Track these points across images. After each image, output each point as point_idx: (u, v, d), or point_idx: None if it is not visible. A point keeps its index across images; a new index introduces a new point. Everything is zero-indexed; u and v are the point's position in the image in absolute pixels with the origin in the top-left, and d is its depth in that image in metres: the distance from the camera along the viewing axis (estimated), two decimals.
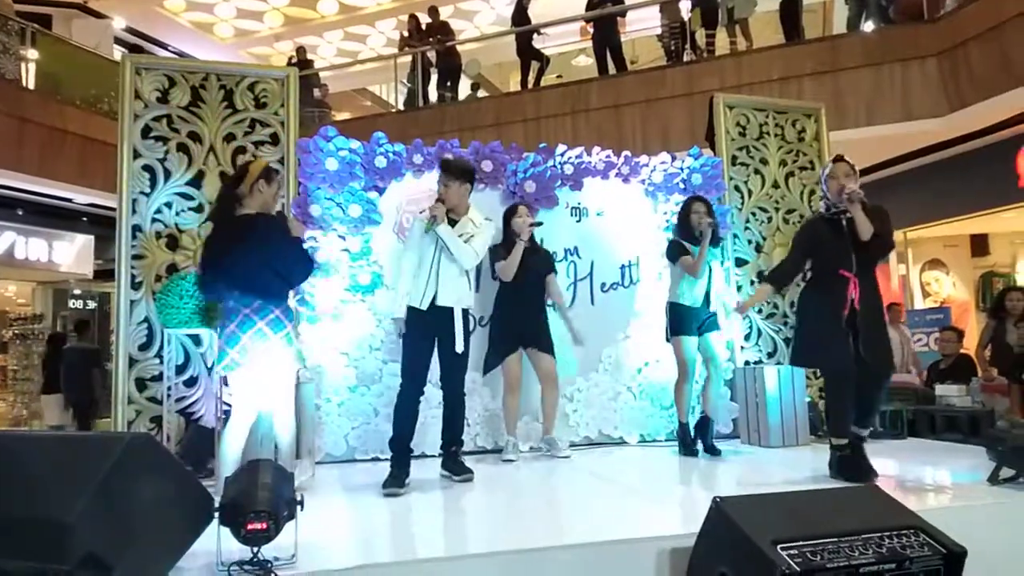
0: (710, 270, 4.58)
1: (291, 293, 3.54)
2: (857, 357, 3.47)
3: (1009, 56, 6.81)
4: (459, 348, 3.75)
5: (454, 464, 3.87)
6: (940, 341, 6.97)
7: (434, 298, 3.75)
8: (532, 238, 4.60)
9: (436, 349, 3.82)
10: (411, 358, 3.78)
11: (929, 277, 11.13)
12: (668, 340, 4.61)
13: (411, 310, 3.79)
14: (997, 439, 3.28)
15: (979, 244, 10.93)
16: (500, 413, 4.64)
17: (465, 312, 3.85)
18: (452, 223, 3.85)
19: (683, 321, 4.53)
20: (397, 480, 3.52)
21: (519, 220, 4.52)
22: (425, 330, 3.78)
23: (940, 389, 5.93)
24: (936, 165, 8.97)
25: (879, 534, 2.19)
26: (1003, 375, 5.82)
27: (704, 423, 4.57)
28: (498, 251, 4.52)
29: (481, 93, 11.95)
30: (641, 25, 10.94)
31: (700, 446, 4.54)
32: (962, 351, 6.76)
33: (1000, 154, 8.27)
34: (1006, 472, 3.18)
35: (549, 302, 4.71)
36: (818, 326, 3.54)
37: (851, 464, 3.47)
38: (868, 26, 8.38)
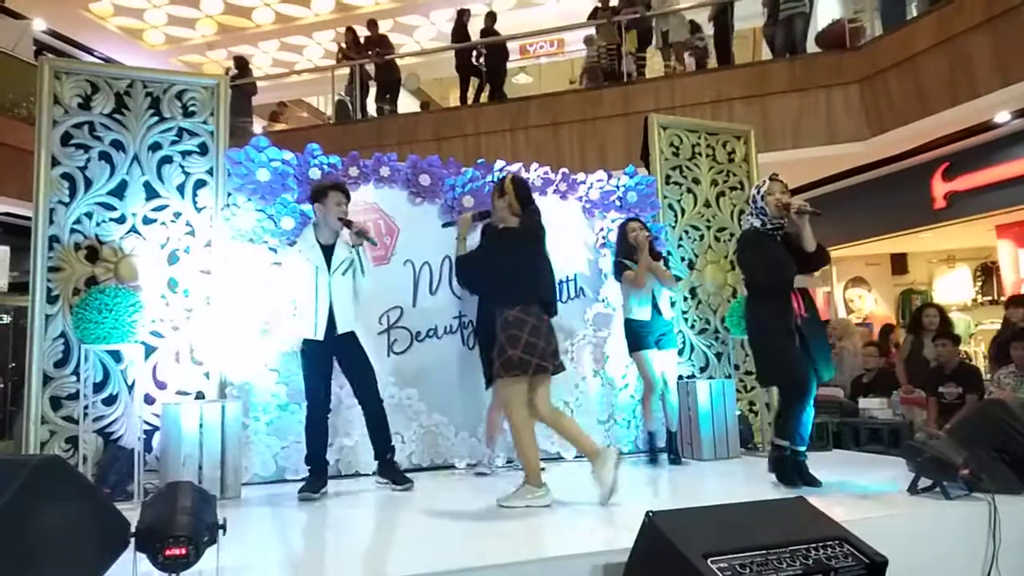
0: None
1: None
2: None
3: (922, 86, 7.19)
4: None
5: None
6: (863, 356, 7.23)
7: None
8: None
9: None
10: None
11: (852, 294, 11.62)
12: (631, 355, 4.76)
13: None
14: (915, 450, 3.39)
15: (898, 263, 11.49)
16: (436, 429, 4.65)
17: None
18: (332, 248, 3.98)
19: (639, 336, 4.65)
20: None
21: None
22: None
23: (863, 402, 6.14)
24: (859, 187, 9.38)
25: (805, 546, 2.24)
26: (921, 388, 6.06)
27: (668, 436, 4.80)
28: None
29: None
30: (579, 45, 11.12)
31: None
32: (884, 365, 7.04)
33: (917, 178, 8.71)
34: (924, 482, 3.31)
35: None
36: (783, 343, 3.56)
37: (788, 466, 3.62)
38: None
